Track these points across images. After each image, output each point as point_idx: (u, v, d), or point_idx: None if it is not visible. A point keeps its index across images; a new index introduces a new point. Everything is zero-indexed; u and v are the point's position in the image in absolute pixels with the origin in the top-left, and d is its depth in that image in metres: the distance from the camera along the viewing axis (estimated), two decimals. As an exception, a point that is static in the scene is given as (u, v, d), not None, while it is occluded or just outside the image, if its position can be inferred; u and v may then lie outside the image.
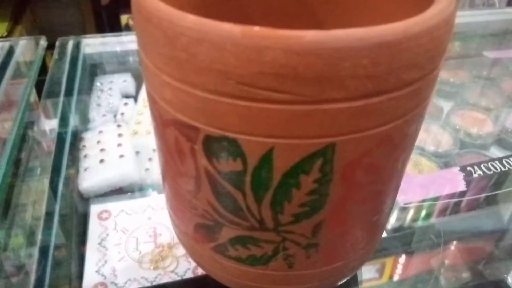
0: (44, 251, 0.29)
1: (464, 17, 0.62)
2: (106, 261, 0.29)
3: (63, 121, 0.38)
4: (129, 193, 0.34)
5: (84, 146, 0.36)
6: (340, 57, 0.13)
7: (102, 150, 0.35)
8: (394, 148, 0.17)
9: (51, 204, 0.32)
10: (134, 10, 0.16)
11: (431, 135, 0.44)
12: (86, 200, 0.33)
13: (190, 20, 0.14)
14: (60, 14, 1.29)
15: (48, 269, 0.28)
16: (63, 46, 0.48)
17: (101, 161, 0.34)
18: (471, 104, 0.50)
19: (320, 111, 0.14)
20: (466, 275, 0.32)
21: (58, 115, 0.38)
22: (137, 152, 0.37)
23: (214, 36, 0.13)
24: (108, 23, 1.14)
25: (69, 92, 0.41)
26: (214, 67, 0.14)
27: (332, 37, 0.13)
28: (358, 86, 0.14)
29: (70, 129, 0.38)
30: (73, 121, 0.39)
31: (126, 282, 0.28)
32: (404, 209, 0.35)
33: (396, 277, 0.31)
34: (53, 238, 0.29)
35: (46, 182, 0.33)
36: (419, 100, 0.16)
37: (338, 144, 0.15)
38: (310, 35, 0.13)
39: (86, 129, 0.39)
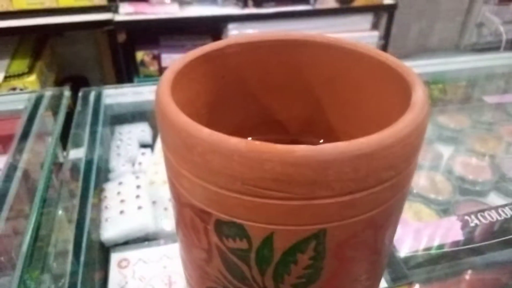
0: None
1: (464, 63, 0.65)
2: (125, 309, 0.32)
3: (87, 173, 0.41)
4: (146, 242, 0.37)
5: (105, 196, 0.39)
6: (326, 167, 0.16)
7: (122, 201, 0.38)
8: (378, 228, 0.19)
9: (77, 251, 0.35)
10: (157, 114, 0.20)
11: (431, 183, 0.47)
12: (106, 248, 0.36)
13: (205, 133, 0.17)
14: (78, 50, 1.35)
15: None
16: (85, 98, 0.52)
17: (121, 212, 0.37)
18: (471, 150, 0.52)
19: (312, 205, 0.17)
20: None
21: (82, 168, 0.42)
22: (154, 202, 0.40)
23: (224, 149, 0.16)
24: (124, 59, 1.19)
25: (92, 143, 0.45)
26: (224, 171, 0.17)
27: (319, 151, 0.16)
28: (343, 186, 0.16)
29: (93, 179, 0.41)
30: (96, 170, 0.42)
31: (143, 329, 0.31)
32: (402, 258, 0.37)
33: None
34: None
35: (71, 233, 0.36)
36: (398, 190, 0.19)
37: (328, 229, 0.18)
38: (301, 150, 0.15)
39: (107, 179, 0.43)
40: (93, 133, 0.46)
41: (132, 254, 0.36)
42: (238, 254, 0.19)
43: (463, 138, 0.55)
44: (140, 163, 0.44)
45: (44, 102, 0.52)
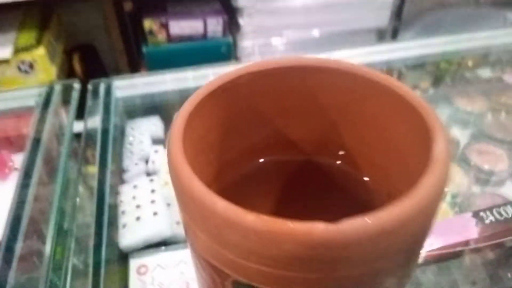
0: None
1: (479, 40, 0.62)
2: (146, 317, 0.33)
3: (102, 174, 0.42)
4: (163, 247, 0.38)
5: (121, 201, 0.40)
6: (346, 247, 0.15)
7: (137, 206, 0.39)
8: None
9: (97, 256, 0.36)
10: (171, 174, 0.19)
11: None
12: (125, 253, 0.37)
13: (220, 207, 0.16)
14: (85, 18, 1.32)
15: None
16: (95, 91, 0.51)
17: (137, 218, 0.38)
18: (487, 136, 0.51)
19: (330, 278, 0.17)
20: None
21: (97, 166, 0.42)
22: (168, 204, 0.40)
23: (240, 226, 0.16)
24: (132, 28, 1.17)
25: (105, 142, 0.45)
26: (240, 245, 0.16)
27: (338, 232, 0.15)
28: (363, 260, 0.16)
29: (108, 180, 0.41)
30: (110, 171, 0.43)
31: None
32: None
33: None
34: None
35: (90, 240, 0.36)
36: (415, 253, 0.18)
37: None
38: (320, 232, 0.15)
39: (122, 180, 0.43)
40: (105, 132, 0.46)
41: (150, 260, 0.37)
42: (255, 310, 0.19)
43: (480, 122, 0.53)
44: (153, 162, 0.45)
45: (55, 98, 0.51)
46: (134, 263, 0.37)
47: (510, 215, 0.41)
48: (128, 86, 0.53)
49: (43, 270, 0.35)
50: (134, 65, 1.09)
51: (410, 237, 0.17)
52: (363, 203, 0.27)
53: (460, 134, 0.53)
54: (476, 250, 0.39)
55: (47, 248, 0.36)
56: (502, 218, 0.41)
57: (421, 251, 0.20)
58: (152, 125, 0.49)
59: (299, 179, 0.29)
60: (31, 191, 0.41)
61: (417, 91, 0.58)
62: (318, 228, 0.15)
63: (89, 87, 0.52)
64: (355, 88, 0.25)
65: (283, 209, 0.28)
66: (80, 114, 0.49)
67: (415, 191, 0.17)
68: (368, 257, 0.16)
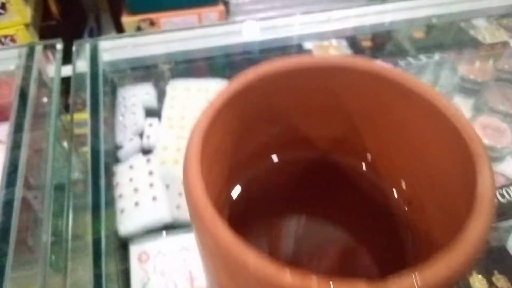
0: None
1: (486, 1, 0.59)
2: (151, 306, 0.33)
3: (95, 150, 0.39)
4: (163, 232, 0.37)
5: (117, 183, 0.38)
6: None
7: (135, 190, 0.37)
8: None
9: (96, 244, 0.35)
10: (190, 210, 0.17)
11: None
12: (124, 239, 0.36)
13: (252, 264, 0.15)
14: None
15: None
16: (79, 51, 0.47)
17: (136, 204, 0.36)
18: (491, 107, 0.50)
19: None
20: None
21: (89, 145, 0.40)
22: (167, 186, 0.38)
23: (276, 286, 0.14)
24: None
25: (95, 113, 0.42)
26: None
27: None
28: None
29: (102, 158, 0.39)
30: (102, 147, 0.40)
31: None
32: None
33: None
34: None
35: (88, 224, 0.35)
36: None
37: None
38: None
39: (116, 159, 0.41)
40: (93, 100, 0.43)
41: (151, 246, 0.36)
42: None
43: (484, 92, 0.52)
44: (148, 137, 0.42)
45: (37, 57, 0.47)
46: (134, 250, 0.35)
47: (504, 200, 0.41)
48: (116, 48, 0.49)
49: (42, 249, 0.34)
50: (115, 5, 1.00)
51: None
52: (382, 209, 0.26)
53: (463, 104, 0.51)
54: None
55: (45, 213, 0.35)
56: (505, 201, 0.41)
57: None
58: (144, 94, 0.46)
59: (317, 177, 0.27)
60: (21, 163, 0.38)
61: (413, 58, 0.56)
62: (362, 290, 0.14)
63: (74, 48, 0.48)
64: (383, 91, 0.23)
65: (299, 210, 0.27)
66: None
67: (460, 244, 0.15)
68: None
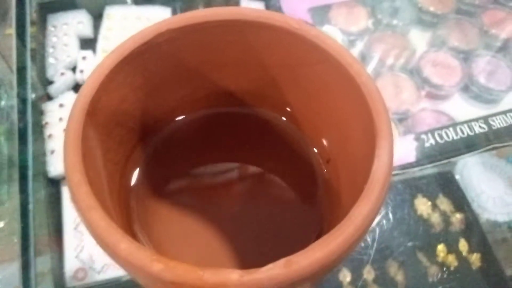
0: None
1: None
2: (83, 247, 0.33)
3: (22, 98, 0.37)
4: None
5: (46, 123, 0.36)
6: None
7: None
8: None
9: (23, 186, 0.34)
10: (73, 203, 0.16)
11: (397, 89, 0.45)
12: (56, 181, 0.36)
13: (123, 251, 0.14)
14: None
15: (33, 262, 0.32)
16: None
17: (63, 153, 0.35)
18: (445, 43, 0.48)
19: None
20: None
21: (15, 79, 0.37)
22: (101, 125, 0.37)
23: (146, 273, 0.14)
24: None
25: (22, 45, 0.39)
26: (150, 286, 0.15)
27: (254, 282, 0.14)
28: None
29: (29, 98, 0.37)
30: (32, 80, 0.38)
31: (103, 267, 0.33)
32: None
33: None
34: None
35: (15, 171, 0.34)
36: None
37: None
38: (233, 282, 0.14)
39: (47, 95, 0.39)
40: (21, 25, 0.40)
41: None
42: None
43: (442, 26, 0.50)
44: (82, 71, 0.40)
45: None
46: (67, 191, 0.35)
47: (450, 138, 0.42)
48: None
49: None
50: None
51: (327, 274, 0.16)
52: (301, 163, 0.25)
53: (419, 39, 0.50)
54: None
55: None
56: (442, 141, 0.41)
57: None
58: (77, 23, 0.42)
59: (237, 131, 0.27)
60: None
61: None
62: (232, 279, 0.14)
63: (-5, -33, 0.43)
64: (302, 51, 0.21)
65: (218, 165, 0.26)
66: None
67: (341, 230, 0.15)
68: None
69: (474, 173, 0.42)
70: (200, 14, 0.20)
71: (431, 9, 0.51)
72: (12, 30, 0.40)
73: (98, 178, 0.18)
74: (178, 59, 0.22)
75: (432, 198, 0.40)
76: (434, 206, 0.41)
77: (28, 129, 0.35)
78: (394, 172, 0.39)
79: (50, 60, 0.40)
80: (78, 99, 0.18)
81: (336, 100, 0.21)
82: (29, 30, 0.39)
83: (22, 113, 0.35)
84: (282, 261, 0.14)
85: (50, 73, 0.39)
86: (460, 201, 0.40)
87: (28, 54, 0.38)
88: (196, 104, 0.25)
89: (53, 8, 0.43)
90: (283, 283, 0.14)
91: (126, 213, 0.21)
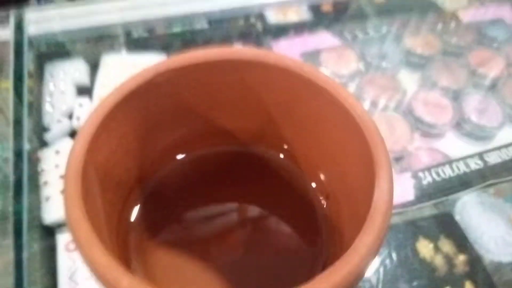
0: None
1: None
2: (77, 296, 0.32)
3: (18, 135, 0.37)
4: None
5: (42, 170, 0.36)
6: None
7: (62, 177, 0.35)
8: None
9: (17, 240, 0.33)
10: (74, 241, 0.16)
11: (390, 129, 0.45)
12: (50, 228, 0.35)
13: (124, 285, 0.14)
14: None
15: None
16: (2, 21, 0.44)
17: (63, 191, 0.34)
18: (434, 82, 0.50)
19: None
20: None
21: (11, 128, 0.37)
22: (98, 170, 0.37)
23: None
24: None
25: (19, 92, 0.39)
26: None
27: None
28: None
29: (25, 144, 0.37)
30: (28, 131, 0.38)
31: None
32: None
33: None
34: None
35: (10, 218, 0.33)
36: None
37: None
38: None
39: (42, 141, 0.39)
40: (18, 79, 0.40)
41: (79, 235, 0.34)
42: None
43: (430, 67, 0.51)
44: (78, 118, 0.40)
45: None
46: (62, 239, 0.34)
47: (448, 176, 0.42)
48: (43, 20, 0.45)
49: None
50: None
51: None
52: (300, 201, 0.25)
53: (409, 80, 0.51)
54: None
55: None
56: (439, 179, 0.41)
57: None
58: (75, 71, 0.43)
59: (234, 172, 0.27)
60: None
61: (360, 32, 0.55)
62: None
63: (-5, 20, 0.44)
64: (297, 87, 0.21)
65: (216, 205, 0.26)
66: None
67: (348, 259, 0.15)
68: None
69: (474, 214, 0.42)
70: (199, 54, 0.21)
71: (419, 51, 0.52)
72: (8, 83, 0.40)
73: (97, 217, 0.17)
74: (177, 99, 0.22)
75: (433, 240, 0.40)
76: (437, 249, 0.40)
77: (23, 182, 0.35)
78: (394, 211, 0.39)
79: (47, 108, 0.40)
80: (79, 136, 0.18)
81: (332, 134, 0.22)
82: (26, 82, 0.40)
83: (17, 166, 0.35)
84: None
85: (46, 120, 0.40)
86: (462, 242, 0.39)
87: (25, 108, 0.39)
88: (194, 143, 0.25)
89: (50, 57, 0.44)
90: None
91: (124, 250, 0.20)
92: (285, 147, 0.25)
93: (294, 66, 0.20)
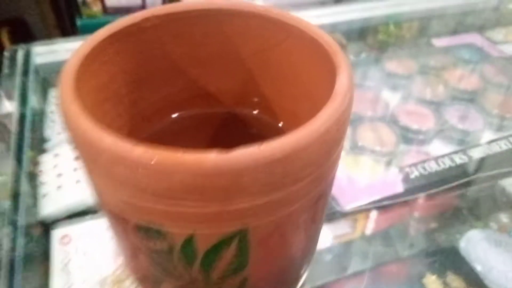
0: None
1: (411, 5, 0.64)
2: (71, 285, 0.32)
3: (20, 142, 0.39)
4: (88, 215, 0.36)
5: (41, 171, 0.37)
6: (239, 175, 0.15)
7: (59, 175, 0.37)
8: (303, 218, 0.19)
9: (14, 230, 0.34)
10: (63, 120, 0.18)
11: (376, 134, 0.47)
12: (46, 224, 0.35)
13: (107, 142, 0.15)
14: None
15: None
16: (13, 58, 0.48)
17: (59, 187, 0.36)
18: (416, 97, 0.53)
19: (228, 210, 0.16)
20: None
21: (13, 134, 0.39)
22: (94, 172, 0.38)
23: (127, 160, 0.15)
24: None
25: (23, 108, 0.42)
26: (129, 183, 0.15)
27: (230, 160, 0.15)
28: (258, 191, 0.16)
29: (26, 151, 0.39)
30: (29, 140, 0.40)
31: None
32: (347, 214, 0.38)
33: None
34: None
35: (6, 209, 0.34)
36: (319, 182, 0.18)
37: (249, 229, 0.17)
38: (211, 160, 0.15)
39: (42, 150, 0.40)
40: (23, 97, 0.43)
41: (74, 229, 0.35)
42: (161, 254, 0.19)
43: (410, 85, 0.55)
44: (77, 130, 0.42)
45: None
46: (56, 234, 0.35)
47: (434, 170, 0.43)
48: (49, 52, 0.50)
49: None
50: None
51: (307, 165, 0.16)
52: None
53: (391, 97, 0.54)
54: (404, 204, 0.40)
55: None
56: (426, 173, 0.42)
57: (331, 180, 0.19)
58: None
59: (218, 132, 0.28)
60: None
61: (350, 56, 0.59)
62: (210, 157, 0.15)
63: (6, 54, 0.48)
64: (270, 31, 0.24)
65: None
66: None
67: (311, 121, 0.16)
68: (263, 187, 0.16)
69: (480, 249, 0.41)
70: (180, 4, 0.24)
71: (399, 72, 0.56)
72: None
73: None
74: (162, 51, 0.25)
75: (441, 276, 0.39)
76: (445, 285, 0.40)
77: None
78: (385, 203, 0.40)
79: (49, 123, 0.43)
80: (74, 55, 0.20)
81: (305, 70, 0.24)
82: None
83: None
84: (256, 144, 0.15)
85: (47, 133, 0.42)
86: (472, 278, 0.38)
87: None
88: (182, 104, 0.27)
89: (54, 82, 0.48)
90: (256, 161, 0.15)
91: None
92: (263, 103, 0.27)
93: (265, 11, 0.23)
